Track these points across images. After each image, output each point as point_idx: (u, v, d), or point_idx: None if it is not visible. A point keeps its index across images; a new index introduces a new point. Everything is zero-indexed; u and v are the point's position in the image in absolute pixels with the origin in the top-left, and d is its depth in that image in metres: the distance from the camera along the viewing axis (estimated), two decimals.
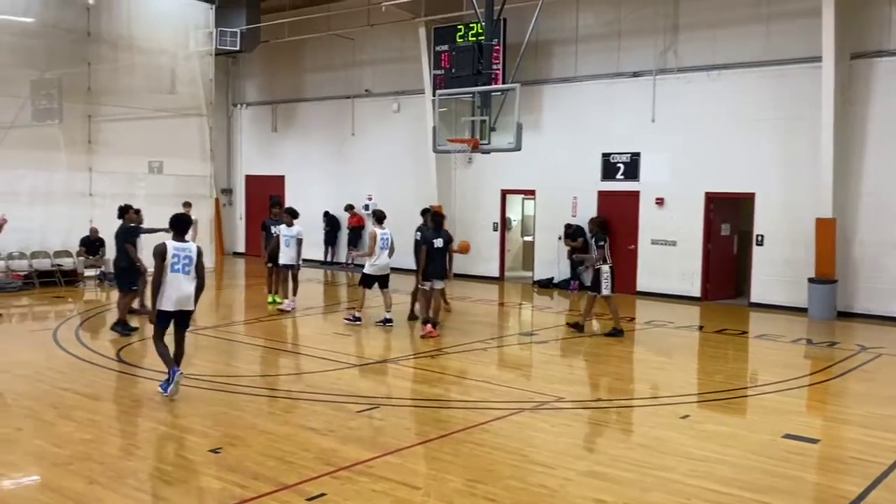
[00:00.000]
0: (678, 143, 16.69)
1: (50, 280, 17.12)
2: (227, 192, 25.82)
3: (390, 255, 12.97)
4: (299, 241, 14.18)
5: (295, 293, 14.49)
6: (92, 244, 17.85)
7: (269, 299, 14.93)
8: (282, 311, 14.13)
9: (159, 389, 8.36)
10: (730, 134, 16.00)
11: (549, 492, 5.91)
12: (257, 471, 6.20)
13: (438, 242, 12.25)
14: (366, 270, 12.99)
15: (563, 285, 18.26)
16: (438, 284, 12.44)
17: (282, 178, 24.36)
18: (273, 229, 14.76)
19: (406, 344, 11.65)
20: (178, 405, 8.10)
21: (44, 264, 17.37)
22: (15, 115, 18.57)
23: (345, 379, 9.61)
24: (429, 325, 12.02)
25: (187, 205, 16.28)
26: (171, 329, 8.44)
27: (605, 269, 12.29)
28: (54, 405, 8.01)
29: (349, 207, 22.13)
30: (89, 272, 17.98)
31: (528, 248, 20.30)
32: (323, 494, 5.73)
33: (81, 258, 17.80)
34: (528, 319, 15.57)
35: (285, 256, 14.21)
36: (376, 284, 12.88)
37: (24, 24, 17.74)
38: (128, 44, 19.38)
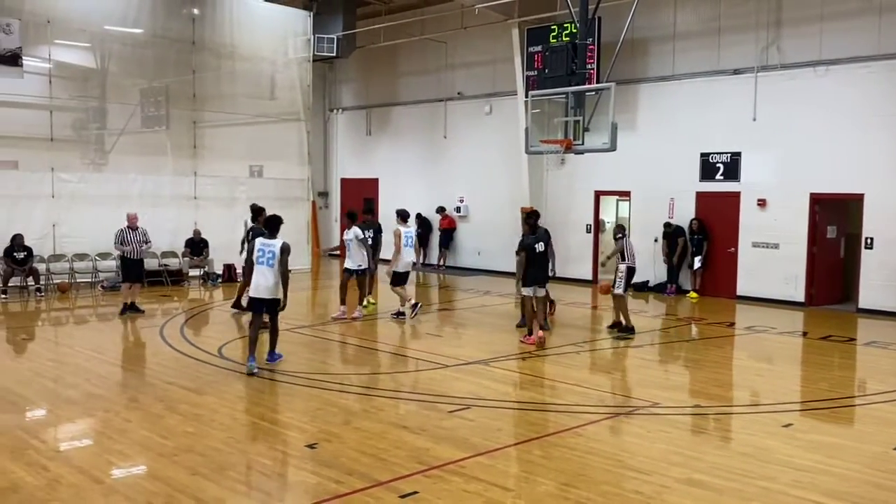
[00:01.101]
0: (781, 143, 16.09)
1: (157, 279, 17.88)
2: (324, 194, 26.39)
3: (416, 252, 13.26)
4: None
5: (360, 300, 14.00)
6: (196, 245, 18.57)
7: (364, 302, 14.42)
8: (353, 319, 13.58)
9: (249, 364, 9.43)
10: (837, 132, 15.31)
11: (645, 498, 5.78)
12: (352, 467, 6.30)
13: (540, 247, 11.67)
14: (396, 269, 13.50)
15: (658, 289, 17.87)
16: (540, 291, 11.74)
17: (375, 180, 24.73)
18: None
19: (498, 346, 11.62)
20: (276, 401, 8.34)
21: (151, 264, 18.09)
22: (126, 122, 19.56)
23: (437, 379, 9.66)
24: (532, 336, 11.50)
25: (260, 211, 15.75)
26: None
27: (622, 266, 12.27)
28: (160, 398, 8.36)
29: (441, 209, 22.28)
30: (193, 272, 18.69)
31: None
32: (415, 492, 5.78)
33: (186, 259, 18.52)
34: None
35: (348, 260, 13.82)
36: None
37: (135, 35, 18.64)
38: (230, 52, 20.12)
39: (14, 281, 15.95)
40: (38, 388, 8.95)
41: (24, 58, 16.48)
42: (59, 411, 8.06)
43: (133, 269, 13.94)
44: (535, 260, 11.62)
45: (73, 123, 19.08)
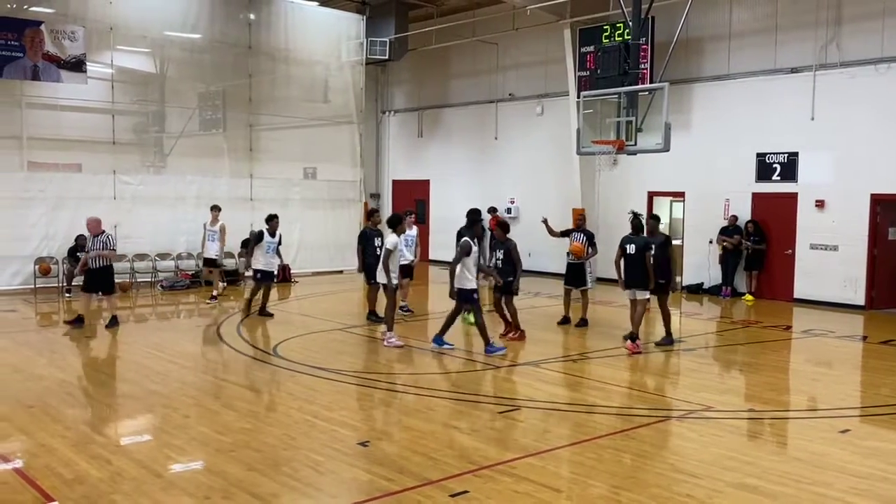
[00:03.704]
0: (840, 142, 15.71)
1: (232, 279, 18.24)
2: (376, 196, 26.62)
3: (415, 253, 13.75)
4: (387, 252, 11.43)
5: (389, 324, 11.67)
6: None
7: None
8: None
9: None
10: None
11: (697, 502, 5.74)
12: (403, 465, 6.38)
13: (631, 248, 11.22)
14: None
15: (713, 291, 17.61)
16: (640, 295, 11.20)
17: (427, 182, 24.86)
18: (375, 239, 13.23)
19: (550, 347, 11.61)
20: (329, 399, 8.47)
21: (229, 263, 18.55)
22: (184, 125, 20.06)
23: (487, 380, 9.70)
24: (629, 342, 11.18)
25: (216, 209, 15.92)
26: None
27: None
28: (217, 395, 8.58)
29: (492, 210, 22.25)
30: (249, 273, 18.99)
31: (677, 253, 19.64)
32: (466, 492, 5.83)
33: (242, 259, 18.86)
34: (676, 326, 15.05)
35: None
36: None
37: (193, 41, 19.09)
38: (285, 56, 20.46)
39: (77, 280, 16.46)
40: (100, 383, 9.26)
41: (87, 63, 17.01)
42: (121, 407, 8.33)
43: (96, 279, 12.56)
44: (628, 262, 11.27)
45: (134, 127, 19.66)
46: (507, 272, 11.73)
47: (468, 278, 10.79)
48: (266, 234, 13.68)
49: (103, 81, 17.83)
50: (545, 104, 21.11)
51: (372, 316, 13.16)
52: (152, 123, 20.33)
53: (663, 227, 20.28)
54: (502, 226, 12.15)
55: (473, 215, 11.59)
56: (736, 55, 17.32)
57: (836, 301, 15.77)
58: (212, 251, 15.62)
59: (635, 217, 11.44)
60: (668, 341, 11.59)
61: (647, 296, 11.30)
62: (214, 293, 15.65)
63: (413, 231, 13.97)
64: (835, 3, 15.77)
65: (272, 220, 13.88)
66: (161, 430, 7.45)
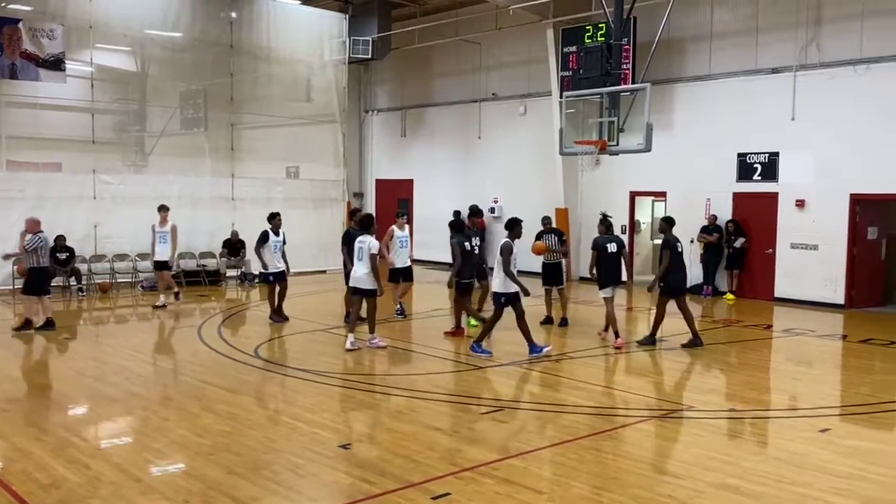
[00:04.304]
0: (820, 142, 15.83)
1: (195, 280, 18.16)
2: (359, 195, 26.55)
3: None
4: (373, 258, 11.09)
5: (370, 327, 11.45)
6: (233, 246, 18.80)
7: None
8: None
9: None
10: (878, 132, 15.01)
11: (678, 503, 5.75)
12: (384, 468, 6.36)
13: (612, 247, 11.63)
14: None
15: (694, 290, 17.66)
16: (607, 291, 11.70)
17: (410, 181, 24.82)
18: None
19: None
20: (310, 401, 8.42)
21: (190, 265, 18.42)
22: (165, 125, 19.91)
23: (470, 381, 9.69)
24: (617, 339, 11.48)
25: (164, 209, 15.09)
26: None
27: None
28: (197, 397, 8.50)
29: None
30: (231, 272, 18.94)
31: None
32: (447, 494, 5.81)
33: (224, 259, 18.77)
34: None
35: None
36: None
37: (174, 39, 18.96)
38: (267, 55, 20.35)
39: (57, 281, 16.31)
40: (80, 386, 9.16)
41: (67, 62, 16.84)
42: (100, 409, 8.24)
43: (31, 280, 12.19)
44: (606, 261, 11.58)
45: (115, 126, 19.50)
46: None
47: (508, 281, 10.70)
48: (271, 234, 13.26)
49: (83, 80, 17.65)
50: (528, 104, 21.13)
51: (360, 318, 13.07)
52: (133, 122, 20.18)
53: (645, 227, 20.55)
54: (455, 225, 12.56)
55: (514, 222, 11.21)
56: (717, 56, 17.40)
57: (816, 300, 15.89)
58: (162, 254, 14.79)
59: (605, 218, 11.99)
60: (697, 342, 11.52)
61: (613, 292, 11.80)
62: (162, 299, 14.82)
63: (405, 231, 13.94)
64: (815, 4, 15.89)
65: (274, 218, 13.41)
66: (140, 433, 7.38)
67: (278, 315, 13.29)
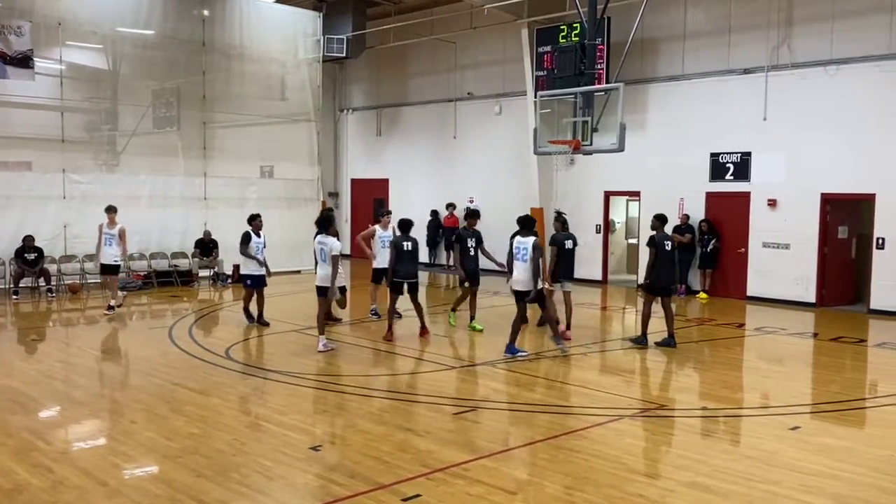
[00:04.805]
0: (792, 143, 15.98)
1: (167, 280, 17.97)
2: (334, 195, 26.43)
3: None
4: (335, 259, 10.96)
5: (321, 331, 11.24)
6: (206, 246, 18.64)
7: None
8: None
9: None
10: (848, 132, 15.18)
11: (649, 502, 5.75)
12: (355, 469, 6.30)
13: (569, 244, 12.13)
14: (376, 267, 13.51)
15: None
16: (568, 286, 12.29)
17: (386, 181, 24.74)
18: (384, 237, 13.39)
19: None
20: (281, 403, 8.34)
21: (162, 265, 18.24)
22: (137, 124, 19.66)
23: (443, 381, 9.65)
24: (567, 330, 12.02)
25: (112, 210, 14.27)
26: None
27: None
28: (167, 399, 8.39)
29: (450, 205, 22.19)
30: (203, 273, 18.75)
31: (633, 251, 19.85)
32: (418, 496, 5.77)
33: (196, 259, 18.59)
34: (632, 324, 15.20)
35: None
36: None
37: (146, 37, 18.71)
38: (240, 53, 20.16)
39: (25, 282, 16.07)
40: (47, 388, 9.00)
41: (35, 59, 16.55)
42: (66, 412, 8.11)
43: None
44: (563, 257, 12.07)
45: (85, 125, 19.20)
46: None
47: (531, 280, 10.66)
48: (252, 235, 12.91)
49: (52, 78, 17.38)
50: (503, 103, 21.14)
51: (329, 319, 12.97)
52: (104, 121, 19.87)
53: (620, 226, 20.61)
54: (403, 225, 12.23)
55: (528, 219, 11.11)
56: (690, 56, 17.51)
57: (787, 298, 16.03)
58: (109, 256, 14.09)
59: (560, 215, 12.44)
60: (670, 342, 11.57)
61: (571, 287, 12.38)
62: (112, 303, 14.18)
63: (388, 231, 13.71)
64: (786, 5, 16.03)
65: (255, 219, 13.07)
66: (107, 435, 7.27)
67: (259, 321, 13.00)
